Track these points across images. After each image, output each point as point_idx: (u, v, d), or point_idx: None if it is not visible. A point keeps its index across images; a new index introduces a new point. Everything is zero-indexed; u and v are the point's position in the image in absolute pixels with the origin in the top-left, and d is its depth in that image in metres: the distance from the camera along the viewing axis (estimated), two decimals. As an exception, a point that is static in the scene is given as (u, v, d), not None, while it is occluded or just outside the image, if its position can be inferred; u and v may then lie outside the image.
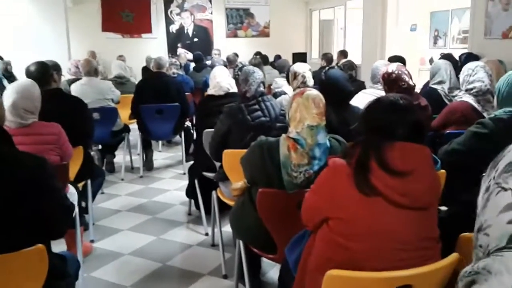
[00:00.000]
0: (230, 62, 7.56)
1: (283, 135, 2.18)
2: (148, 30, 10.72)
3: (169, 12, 10.98)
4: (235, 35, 11.62)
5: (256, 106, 2.91)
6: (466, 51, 6.34)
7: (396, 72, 3.25)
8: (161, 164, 5.87)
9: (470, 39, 6.69)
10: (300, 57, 9.41)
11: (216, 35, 11.45)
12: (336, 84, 2.97)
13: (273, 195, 2.13)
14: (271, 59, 9.14)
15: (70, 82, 5.65)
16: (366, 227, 1.48)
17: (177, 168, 5.62)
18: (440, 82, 3.99)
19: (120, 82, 6.11)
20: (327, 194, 1.58)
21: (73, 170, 3.34)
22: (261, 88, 3.00)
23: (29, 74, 3.25)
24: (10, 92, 2.49)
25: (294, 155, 2.09)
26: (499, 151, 1.05)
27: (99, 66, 5.73)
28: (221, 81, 3.75)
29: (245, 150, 2.67)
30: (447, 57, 5.15)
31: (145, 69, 9.09)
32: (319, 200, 1.63)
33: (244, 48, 10.73)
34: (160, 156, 6.24)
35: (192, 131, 6.18)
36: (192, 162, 4.15)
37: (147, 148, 5.60)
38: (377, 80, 3.90)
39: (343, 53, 9.31)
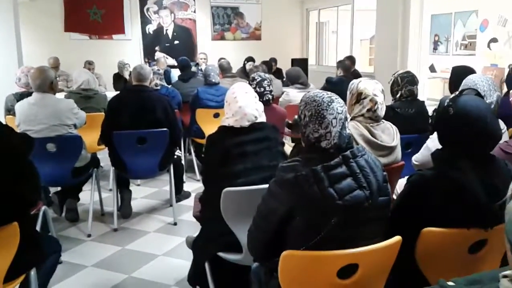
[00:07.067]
0: (224, 71, 6.09)
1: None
2: (121, 30, 9.14)
3: (145, 10, 9.43)
4: (222, 37, 10.10)
5: (344, 169, 1.53)
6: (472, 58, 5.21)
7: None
8: (142, 206, 4.41)
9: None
10: (300, 64, 8.07)
11: (200, 37, 9.95)
12: (484, 124, 1.62)
13: None
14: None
15: (20, 96, 4.24)
16: None
17: (164, 213, 4.20)
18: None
19: (85, 95, 4.66)
20: None
21: (2, 265, 1.92)
22: (347, 131, 1.62)
23: None
24: None
25: None
26: None
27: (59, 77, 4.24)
28: (245, 105, 2.37)
29: (323, 254, 1.37)
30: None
31: (117, 77, 7.75)
32: None
33: (232, 53, 9.28)
34: (140, 193, 4.76)
35: (182, 162, 4.75)
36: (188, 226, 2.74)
37: (123, 188, 4.15)
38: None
39: (350, 59, 8.05)
